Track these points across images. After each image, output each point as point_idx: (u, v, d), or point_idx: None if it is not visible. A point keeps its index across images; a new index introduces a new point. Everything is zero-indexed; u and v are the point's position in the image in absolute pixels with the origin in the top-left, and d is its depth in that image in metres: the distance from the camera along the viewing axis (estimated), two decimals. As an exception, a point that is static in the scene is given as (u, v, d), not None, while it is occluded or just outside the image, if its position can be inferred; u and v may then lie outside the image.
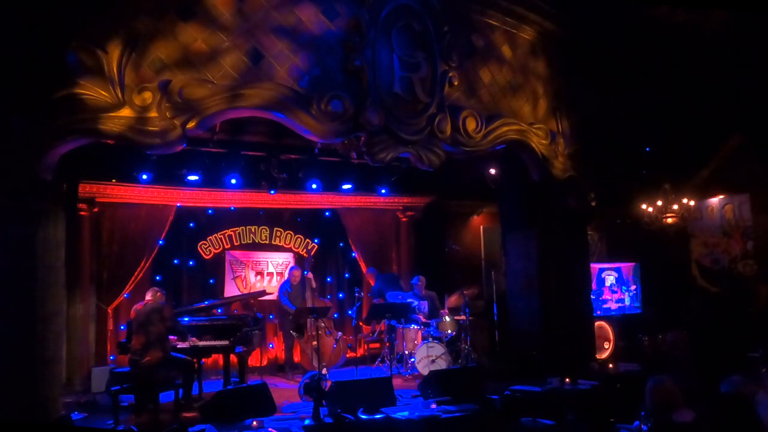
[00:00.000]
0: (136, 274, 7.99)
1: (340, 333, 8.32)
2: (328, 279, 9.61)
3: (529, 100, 7.21)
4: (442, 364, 7.51)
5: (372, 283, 9.05)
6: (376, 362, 8.44)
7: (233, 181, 7.53)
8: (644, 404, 3.59)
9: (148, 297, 6.35)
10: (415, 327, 8.21)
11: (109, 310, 7.89)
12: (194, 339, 6.72)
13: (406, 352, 8.08)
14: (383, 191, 8.99)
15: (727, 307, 9.36)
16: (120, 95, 4.93)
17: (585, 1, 7.19)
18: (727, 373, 3.93)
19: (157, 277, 8.34)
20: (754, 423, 3.16)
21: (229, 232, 9.01)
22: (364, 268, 9.56)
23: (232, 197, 8.72)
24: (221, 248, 8.94)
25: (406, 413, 5.72)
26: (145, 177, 7.24)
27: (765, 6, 5.18)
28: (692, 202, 9.73)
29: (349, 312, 9.51)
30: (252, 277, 9.13)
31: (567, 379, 6.30)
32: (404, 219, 9.97)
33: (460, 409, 5.81)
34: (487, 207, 10.06)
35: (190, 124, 5.17)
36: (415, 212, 9.97)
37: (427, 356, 7.63)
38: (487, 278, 9.47)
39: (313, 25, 5.65)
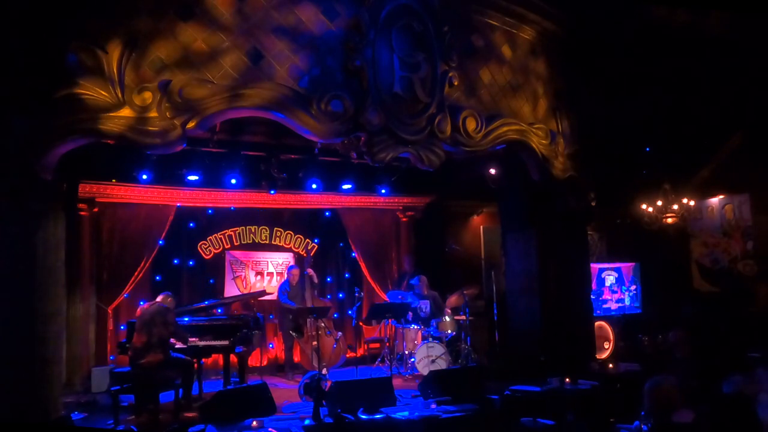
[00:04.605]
0: (136, 274, 7.98)
1: (340, 333, 8.32)
2: (328, 279, 9.61)
3: (529, 100, 7.21)
4: (442, 364, 7.51)
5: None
6: (376, 362, 8.44)
7: (233, 181, 7.53)
8: (644, 404, 3.59)
9: (159, 299, 6.36)
10: (415, 327, 8.22)
11: (109, 310, 7.89)
12: (195, 339, 6.72)
13: (406, 352, 8.09)
14: (383, 191, 8.98)
15: (727, 307, 9.36)
16: (120, 95, 4.93)
17: (585, 1, 7.18)
18: (728, 373, 3.93)
19: (157, 277, 8.34)
20: (755, 423, 3.15)
21: (229, 232, 9.00)
22: (364, 268, 9.57)
23: (232, 197, 8.72)
24: (221, 248, 8.94)
25: (406, 413, 5.73)
26: (145, 177, 7.23)
27: (765, 6, 5.18)
28: (692, 202, 9.73)
29: (349, 312, 9.51)
30: (252, 277, 9.13)
31: (567, 379, 6.30)
32: (404, 219, 9.97)
33: (460, 409, 5.81)
34: (487, 207, 10.06)
35: (190, 124, 5.16)
36: (415, 212, 9.97)
37: (427, 356, 7.64)
38: (487, 278, 9.47)
39: (313, 25, 5.65)
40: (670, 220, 9.75)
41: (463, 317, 8.20)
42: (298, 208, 9.37)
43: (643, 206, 9.78)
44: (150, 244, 8.17)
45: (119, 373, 6.09)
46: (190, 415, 5.99)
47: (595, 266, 9.17)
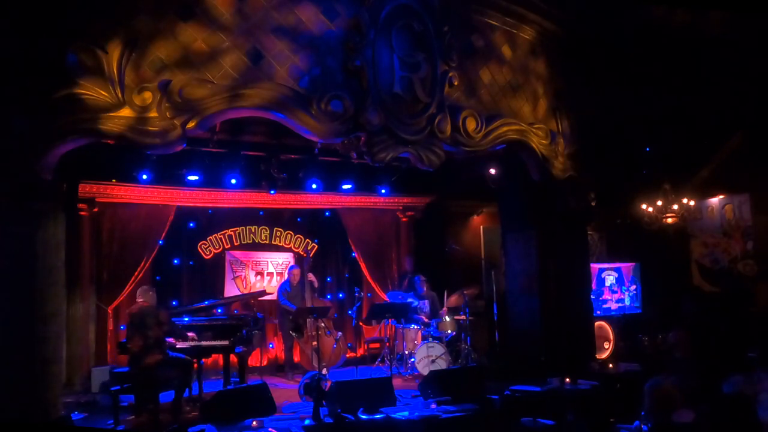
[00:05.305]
0: (136, 274, 7.98)
1: (340, 333, 8.32)
2: (328, 279, 9.61)
3: (529, 100, 7.21)
4: (442, 364, 7.51)
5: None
6: (376, 362, 8.45)
7: (233, 181, 7.53)
8: (644, 404, 3.59)
9: (140, 298, 6.28)
10: (415, 327, 8.22)
11: (109, 310, 7.89)
12: (195, 339, 6.72)
13: (406, 352, 8.09)
14: (383, 191, 8.99)
15: (727, 307, 9.36)
16: (120, 95, 4.93)
17: (585, 1, 7.18)
18: (728, 373, 3.93)
19: (157, 278, 8.35)
20: (755, 424, 3.15)
21: (229, 232, 9.00)
22: (364, 268, 9.57)
23: (232, 197, 8.72)
24: (221, 248, 8.94)
25: (406, 413, 5.73)
26: (145, 177, 7.23)
27: (765, 6, 5.18)
28: (692, 202, 9.72)
29: (349, 312, 9.51)
30: (252, 277, 9.13)
31: (567, 379, 6.30)
32: (404, 219, 9.97)
33: (460, 409, 5.81)
34: (487, 207, 10.06)
35: (190, 124, 5.16)
36: (415, 212, 9.97)
37: (427, 356, 7.64)
38: (487, 278, 9.47)
39: (313, 25, 5.65)
40: (670, 220, 9.74)
41: (463, 317, 8.20)
42: (298, 208, 9.37)
43: (643, 206, 9.78)
44: (150, 244, 8.17)
45: (119, 373, 6.07)
46: (190, 415, 5.99)
47: (595, 266, 9.17)
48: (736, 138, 9.85)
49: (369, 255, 9.60)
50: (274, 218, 9.32)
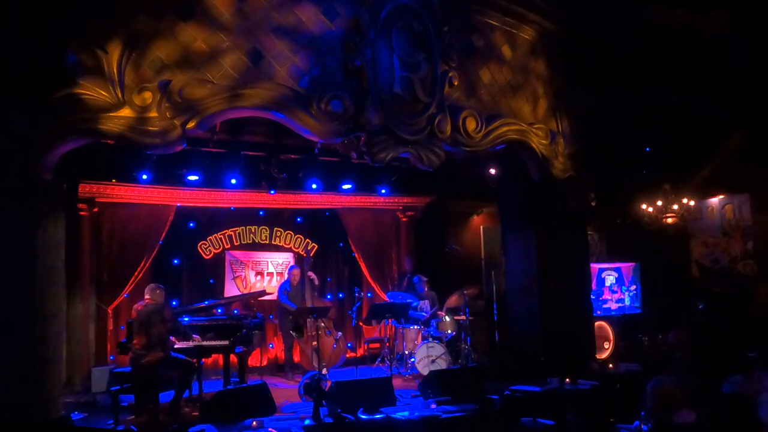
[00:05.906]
0: (136, 274, 7.99)
1: (340, 333, 8.32)
2: (328, 279, 9.61)
3: (529, 100, 7.21)
4: (442, 364, 7.51)
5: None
6: (376, 362, 8.45)
7: (233, 181, 7.53)
8: (644, 404, 3.59)
9: (147, 296, 6.32)
10: (415, 327, 8.22)
11: (109, 310, 7.89)
12: (197, 337, 6.73)
13: (406, 352, 8.09)
14: (383, 191, 8.99)
15: (727, 307, 9.36)
16: (120, 95, 4.93)
17: (585, 1, 7.18)
18: (728, 373, 3.93)
19: (157, 278, 8.33)
20: (755, 423, 3.15)
21: (229, 232, 9.01)
22: (364, 268, 9.57)
23: (232, 197, 8.72)
24: (221, 248, 8.94)
25: (406, 413, 5.73)
26: (145, 177, 7.23)
27: (765, 6, 5.18)
28: (692, 202, 9.72)
29: (349, 312, 9.50)
30: (252, 277, 9.13)
31: (567, 379, 6.29)
32: (404, 219, 9.97)
33: (460, 409, 5.81)
34: (487, 207, 10.06)
35: (190, 124, 5.17)
36: (415, 212, 9.97)
37: (427, 356, 7.64)
38: (487, 278, 9.47)
39: (313, 25, 5.65)
40: (670, 220, 9.75)
41: (463, 317, 8.20)
42: (298, 208, 9.37)
43: (643, 206, 9.78)
44: (150, 244, 8.17)
45: (119, 373, 6.08)
46: (190, 415, 5.99)
47: (595, 266, 9.17)
48: (736, 138, 9.85)
49: (369, 255, 9.60)
50: (274, 218, 9.32)
